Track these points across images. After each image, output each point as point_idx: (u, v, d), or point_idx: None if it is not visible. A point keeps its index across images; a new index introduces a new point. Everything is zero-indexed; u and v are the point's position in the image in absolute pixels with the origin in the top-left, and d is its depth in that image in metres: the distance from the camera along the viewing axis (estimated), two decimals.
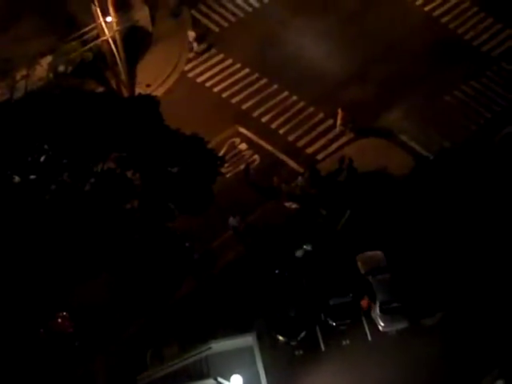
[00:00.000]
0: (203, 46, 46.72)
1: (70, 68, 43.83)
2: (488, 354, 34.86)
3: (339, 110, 42.44)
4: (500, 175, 40.27)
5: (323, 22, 47.24)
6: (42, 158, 31.25)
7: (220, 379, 31.12)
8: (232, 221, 38.79)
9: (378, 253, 37.56)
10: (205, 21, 48.22)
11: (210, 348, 32.70)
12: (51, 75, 43.56)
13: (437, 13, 48.18)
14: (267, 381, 32.27)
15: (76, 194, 31.05)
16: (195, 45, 46.43)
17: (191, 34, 46.27)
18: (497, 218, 38.70)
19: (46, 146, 31.28)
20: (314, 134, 43.15)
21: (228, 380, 30.79)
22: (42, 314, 33.58)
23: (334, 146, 42.61)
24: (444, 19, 47.96)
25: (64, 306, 34.86)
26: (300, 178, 40.95)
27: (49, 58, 43.31)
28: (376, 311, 35.72)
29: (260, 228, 39.01)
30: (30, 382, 33.28)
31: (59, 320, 34.96)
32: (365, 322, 36.25)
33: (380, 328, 35.79)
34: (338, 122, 42.62)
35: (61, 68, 43.71)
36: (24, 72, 42.08)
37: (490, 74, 45.45)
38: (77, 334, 35.22)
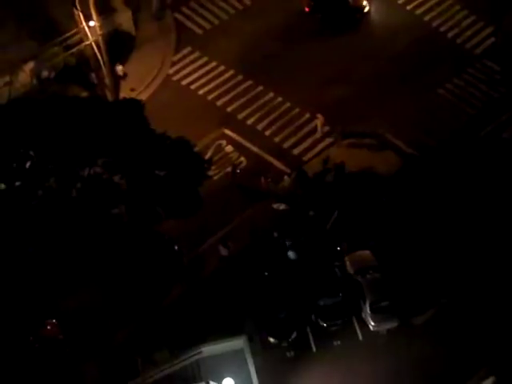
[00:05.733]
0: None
1: (53, 73, 43.56)
2: (477, 352, 34.87)
3: (318, 115, 42.52)
4: (486, 171, 40.38)
5: (308, 24, 47.30)
6: (28, 165, 31.07)
7: (212, 383, 31.03)
8: (222, 250, 38.10)
9: (367, 252, 37.55)
10: (188, 23, 48.17)
11: (200, 352, 32.64)
12: (35, 81, 43.28)
13: (419, 11, 48.34)
14: (259, 383, 32.21)
15: (63, 199, 30.89)
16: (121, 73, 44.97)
17: (119, 68, 44.90)
18: (485, 214, 38.77)
19: (31, 153, 31.11)
20: (300, 134, 43.10)
21: (220, 383, 30.74)
22: (31, 321, 33.33)
23: (320, 146, 42.61)
24: (427, 17, 48.12)
25: (53, 313, 34.61)
26: (286, 177, 40.89)
27: (31, 64, 43.01)
28: (366, 311, 35.68)
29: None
30: None
31: (48, 327, 34.71)
32: (355, 322, 36.21)
33: (370, 327, 35.73)
34: (319, 126, 42.59)
35: (44, 73, 43.39)
36: (7, 79, 41.83)
37: (472, 72, 45.61)
38: (67, 340, 34.92)
